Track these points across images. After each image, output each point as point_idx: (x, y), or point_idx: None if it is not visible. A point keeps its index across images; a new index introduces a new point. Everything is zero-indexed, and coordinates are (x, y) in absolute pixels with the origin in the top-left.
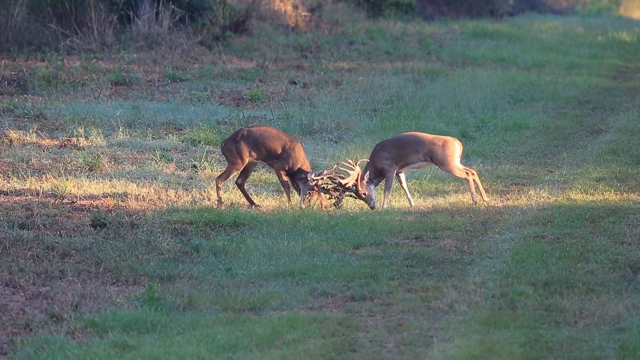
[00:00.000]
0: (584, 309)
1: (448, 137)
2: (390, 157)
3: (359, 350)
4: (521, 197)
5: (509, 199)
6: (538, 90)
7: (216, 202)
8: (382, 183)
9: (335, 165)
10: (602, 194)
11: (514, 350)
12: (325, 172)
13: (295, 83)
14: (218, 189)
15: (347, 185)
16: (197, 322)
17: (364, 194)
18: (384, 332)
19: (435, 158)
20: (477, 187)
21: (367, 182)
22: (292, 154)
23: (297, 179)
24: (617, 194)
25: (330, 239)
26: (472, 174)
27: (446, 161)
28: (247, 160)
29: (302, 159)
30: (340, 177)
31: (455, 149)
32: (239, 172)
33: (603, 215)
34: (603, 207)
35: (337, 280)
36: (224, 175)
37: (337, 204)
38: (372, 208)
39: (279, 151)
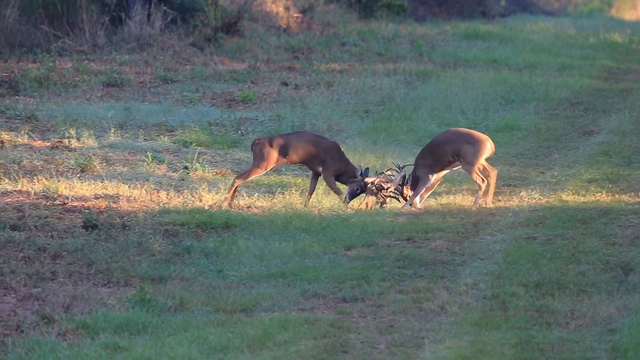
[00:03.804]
0: (576, 310)
1: (482, 136)
2: (427, 165)
3: (351, 352)
4: (513, 198)
5: (500, 200)
6: (530, 92)
7: (226, 200)
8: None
9: (387, 171)
10: (593, 195)
11: (506, 352)
12: (376, 179)
13: (287, 84)
14: (233, 187)
15: (390, 190)
16: (188, 324)
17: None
18: (376, 333)
19: (464, 156)
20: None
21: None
22: (335, 155)
23: (344, 179)
24: (608, 195)
25: (322, 240)
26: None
27: (471, 161)
28: (272, 166)
29: (345, 160)
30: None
31: (486, 149)
32: (259, 175)
33: (595, 216)
34: (595, 209)
35: (329, 282)
36: (246, 175)
37: (382, 204)
38: (410, 205)
39: (321, 155)
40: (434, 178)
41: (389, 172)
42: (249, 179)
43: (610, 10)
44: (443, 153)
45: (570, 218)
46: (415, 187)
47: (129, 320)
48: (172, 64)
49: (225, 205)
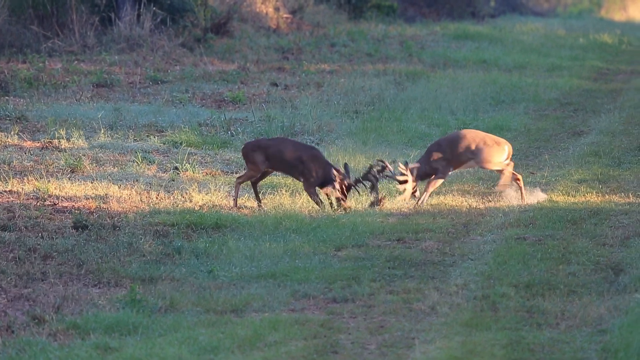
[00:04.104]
0: (566, 310)
1: (501, 140)
2: (446, 158)
3: (341, 352)
4: (503, 198)
5: (490, 201)
6: (519, 92)
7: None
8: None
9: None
10: (583, 195)
11: (496, 352)
12: (354, 179)
13: (276, 85)
14: (237, 189)
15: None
16: (178, 324)
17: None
18: (366, 333)
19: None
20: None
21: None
22: (312, 167)
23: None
24: (598, 196)
25: (312, 240)
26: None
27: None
28: (262, 169)
29: (323, 166)
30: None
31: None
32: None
33: (585, 217)
34: (585, 209)
35: (319, 282)
36: (244, 177)
37: (375, 204)
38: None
39: (299, 167)
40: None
41: (400, 166)
42: (248, 180)
43: (600, 11)
44: (461, 150)
45: (560, 218)
46: (433, 179)
47: (120, 320)
48: (161, 65)
49: (235, 208)
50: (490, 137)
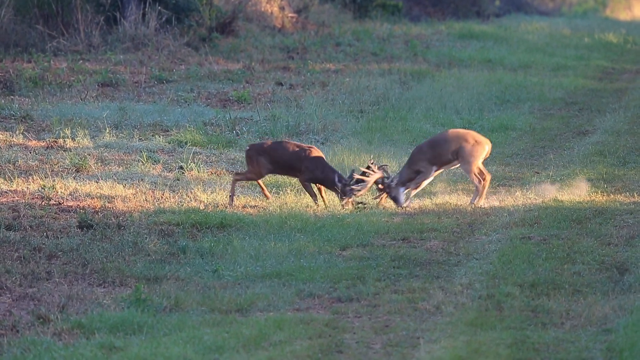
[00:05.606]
0: (571, 310)
1: (482, 137)
2: (426, 159)
3: (346, 352)
4: (508, 198)
5: (495, 200)
6: (524, 92)
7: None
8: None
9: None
10: (588, 195)
11: (501, 352)
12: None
13: (281, 84)
14: (233, 185)
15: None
16: (183, 324)
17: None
18: (371, 333)
19: (461, 155)
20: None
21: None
22: (312, 162)
23: (327, 185)
24: (603, 195)
25: (317, 240)
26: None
27: (470, 160)
28: (264, 174)
29: (323, 165)
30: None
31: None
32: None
33: (590, 216)
34: (590, 209)
35: (324, 282)
36: (242, 176)
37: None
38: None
39: (298, 163)
40: (433, 173)
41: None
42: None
43: (605, 10)
44: (443, 151)
45: (565, 218)
46: (416, 180)
47: (125, 320)
48: (167, 64)
49: (231, 207)
50: (471, 136)
